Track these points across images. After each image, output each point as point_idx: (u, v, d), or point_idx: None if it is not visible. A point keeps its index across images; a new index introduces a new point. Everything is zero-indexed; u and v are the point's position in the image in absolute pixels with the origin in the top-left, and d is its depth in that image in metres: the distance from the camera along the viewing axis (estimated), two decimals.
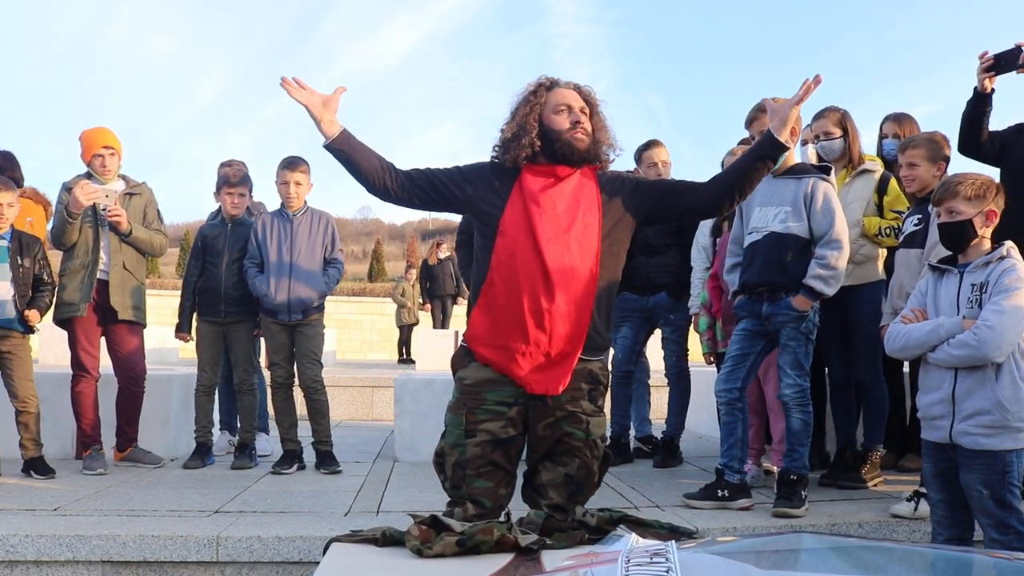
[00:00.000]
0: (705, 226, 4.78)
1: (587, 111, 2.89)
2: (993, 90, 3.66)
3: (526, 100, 2.89)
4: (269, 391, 4.82)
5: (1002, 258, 2.79)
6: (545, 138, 2.84)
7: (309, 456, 4.81)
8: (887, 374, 4.25)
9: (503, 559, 2.38)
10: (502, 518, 2.59)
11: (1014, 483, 2.72)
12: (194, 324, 4.88)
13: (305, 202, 4.80)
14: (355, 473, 4.69)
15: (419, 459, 5.15)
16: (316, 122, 2.82)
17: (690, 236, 4.84)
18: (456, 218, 5.39)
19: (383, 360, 14.72)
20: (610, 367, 5.19)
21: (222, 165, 5.08)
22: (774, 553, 1.16)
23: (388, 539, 2.51)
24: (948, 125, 3.96)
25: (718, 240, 4.53)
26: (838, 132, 4.17)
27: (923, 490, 3.46)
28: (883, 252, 4.21)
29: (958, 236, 2.86)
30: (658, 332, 5.09)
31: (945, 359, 2.77)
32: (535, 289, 2.74)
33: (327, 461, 4.72)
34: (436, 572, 2.28)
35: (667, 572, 1.01)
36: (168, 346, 10.79)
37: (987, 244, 2.87)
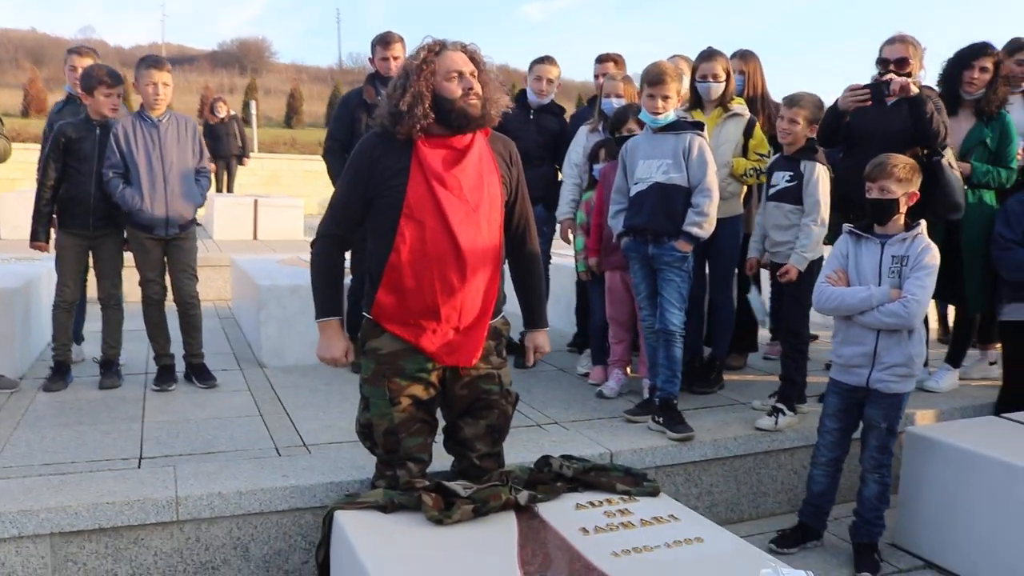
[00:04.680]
0: (579, 144, 5.08)
1: (475, 73, 2.83)
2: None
3: (417, 69, 2.78)
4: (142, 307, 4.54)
5: (917, 236, 3.33)
6: (438, 107, 2.77)
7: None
8: None
9: (509, 519, 2.67)
10: (498, 480, 2.84)
11: (901, 416, 3.45)
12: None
13: (168, 105, 4.42)
14: (234, 387, 4.66)
15: (286, 364, 5.20)
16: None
17: (563, 151, 5.15)
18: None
19: None
20: None
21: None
22: None
23: (396, 506, 2.69)
24: None
25: (595, 167, 4.82)
26: (723, 76, 4.52)
27: (780, 406, 4.14)
28: (744, 189, 4.72)
29: (886, 212, 3.35)
30: None
31: (875, 323, 3.30)
32: (446, 271, 2.78)
33: (202, 375, 4.64)
34: (465, 539, 2.51)
35: None
36: None
37: (903, 220, 3.39)
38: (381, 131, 2.86)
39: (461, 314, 2.84)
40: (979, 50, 4.58)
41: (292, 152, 22.68)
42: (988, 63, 4.55)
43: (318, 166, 19.37)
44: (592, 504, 2.81)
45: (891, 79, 4.06)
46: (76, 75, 4.72)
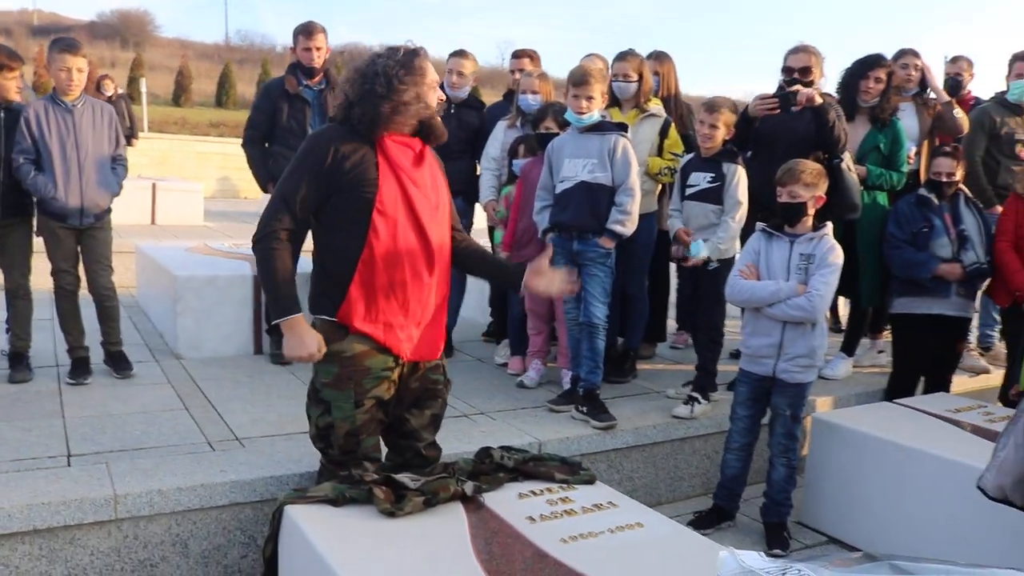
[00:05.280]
0: (496, 139, 5.17)
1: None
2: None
3: (419, 70, 2.78)
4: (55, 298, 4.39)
5: (824, 236, 3.60)
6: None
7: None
8: None
9: (457, 510, 2.78)
10: (443, 472, 2.93)
11: (804, 404, 3.71)
12: None
13: (83, 91, 4.28)
14: (153, 380, 4.57)
15: (204, 356, 5.12)
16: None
17: (482, 145, 5.23)
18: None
19: None
20: None
21: None
22: None
23: (347, 500, 2.74)
24: None
25: (515, 162, 4.94)
26: (635, 76, 4.70)
27: (695, 395, 4.38)
28: (659, 187, 4.94)
29: (795, 214, 3.62)
30: None
31: (781, 315, 3.56)
32: (418, 267, 2.83)
33: (120, 365, 4.55)
34: (418, 531, 2.60)
35: None
36: None
37: (811, 221, 3.65)
38: (345, 125, 2.80)
39: (424, 309, 2.91)
40: (874, 61, 4.94)
41: (183, 132, 21.86)
42: (882, 74, 4.90)
43: (210, 147, 18.91)
44: (534, 493, 2.94)
45: (798, 90, 4.34)
46: None
